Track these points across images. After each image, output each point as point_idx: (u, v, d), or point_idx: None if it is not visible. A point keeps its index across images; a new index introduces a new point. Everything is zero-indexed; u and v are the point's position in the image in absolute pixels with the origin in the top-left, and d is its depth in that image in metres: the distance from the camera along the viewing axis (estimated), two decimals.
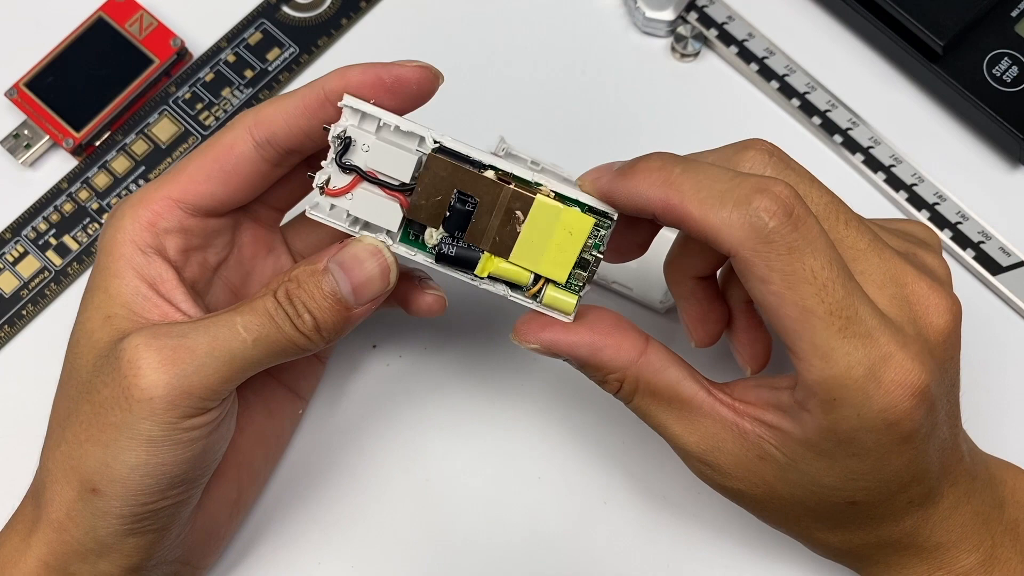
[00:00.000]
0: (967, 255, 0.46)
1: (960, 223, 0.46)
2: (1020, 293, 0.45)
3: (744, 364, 0.39)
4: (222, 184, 0.36)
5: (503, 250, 0.35)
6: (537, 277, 0.35)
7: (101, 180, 0.48)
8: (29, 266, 0.47)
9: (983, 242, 0.46)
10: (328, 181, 0.35)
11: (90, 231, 0.47)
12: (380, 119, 0.34)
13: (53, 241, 0.47)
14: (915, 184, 0.46)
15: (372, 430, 0.45)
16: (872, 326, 0.31)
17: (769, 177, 0.32)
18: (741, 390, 0.35)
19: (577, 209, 0.34)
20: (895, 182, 0.47)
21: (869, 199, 0.47)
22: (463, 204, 0.34)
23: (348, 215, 0.35)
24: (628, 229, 0.36)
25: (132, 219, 0.36)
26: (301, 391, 0.43)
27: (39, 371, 0.46)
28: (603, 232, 0.35)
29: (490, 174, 0.34)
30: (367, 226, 0.35)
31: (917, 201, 0.46)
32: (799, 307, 0.31)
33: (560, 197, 0.34)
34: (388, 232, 0.35)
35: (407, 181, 0.34)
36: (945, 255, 0.46)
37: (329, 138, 0.34)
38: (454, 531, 0.43)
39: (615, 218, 0.34)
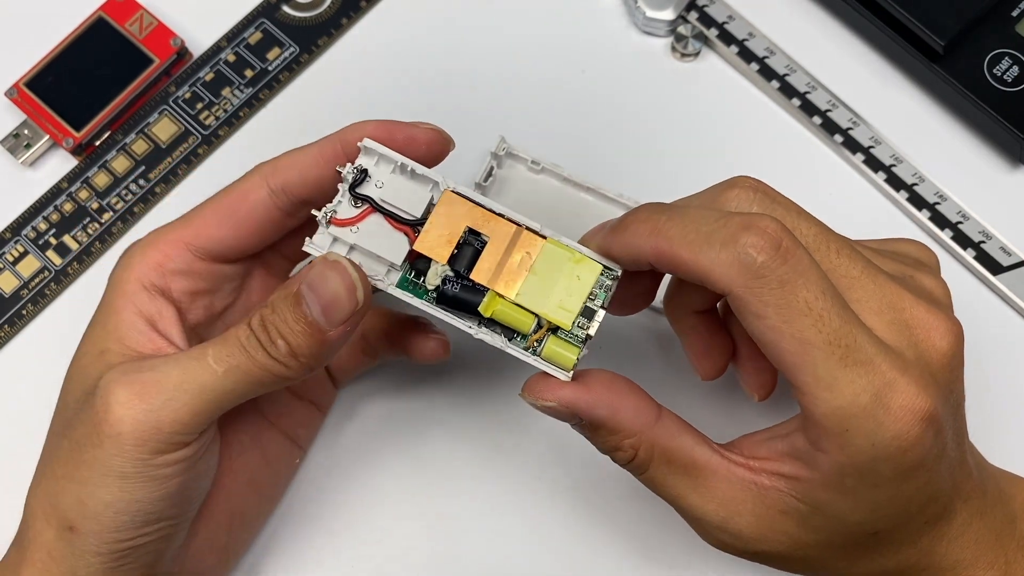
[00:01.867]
0: (968, 255, 0.46)
1: (961, 223, 0.46)
2: (1020, 293, 0.45)
3: (751, 392, 0.39)
4: (234, 230, 0.36)
5: (508, 289, 0.34)
6: (538, 325, 0.34)
7: (101, 180, 0.48)
8: (29, 266, 0.47)
9: (984, 242, 0.46)
10: (334, 213, 0.34)
11: (90, 231, 0.47)
12: (397, 162, 0.34)
13: (53, 241, 0.47)
14: (916, 184, 0.46)
15: (376, 433, 0.45)
16: (872, 353, 0.31)
17: (755, 213, 0.32)
18: (751, 447, 0.34)
19: (586, 255, 0.34)
20: (896, 182, 0.47)
21: (869, 199, 0.47)
22: (473, 242, 0.34)
23: (351, 250, 0.34)
24: (632, 282, 0.36)
25: (141, 258, 0.36)
26: (299, 440, 0.42)
27: (39, 371, 0.45)
28: (609, 283, 0.34)
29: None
30: (367, 258, 0.35)
31: (917, 201, 0.46)
32: (797, 340, 0.31)
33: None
34: (391, 268, 0.34)
35: (419, 216, 0.34)
36: (946, 255, 0.46)
37: (343, 174, 0.34)
38: (455, 536, 0.43)
39: (619, 273, 0.34)
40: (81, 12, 0.49)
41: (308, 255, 0.34)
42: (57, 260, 0.47)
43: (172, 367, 0.33)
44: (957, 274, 0.46)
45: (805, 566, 0.35)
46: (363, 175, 0.34)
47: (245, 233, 0.37)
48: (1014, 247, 0.45)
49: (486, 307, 0.34)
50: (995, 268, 0.45)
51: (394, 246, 0.34)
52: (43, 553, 0.34)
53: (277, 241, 0.38)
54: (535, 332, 0.34)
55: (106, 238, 0.47)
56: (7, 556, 0.36)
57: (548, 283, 0.34)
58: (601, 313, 0.34)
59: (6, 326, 0.46)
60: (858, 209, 0.47)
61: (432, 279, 0.34)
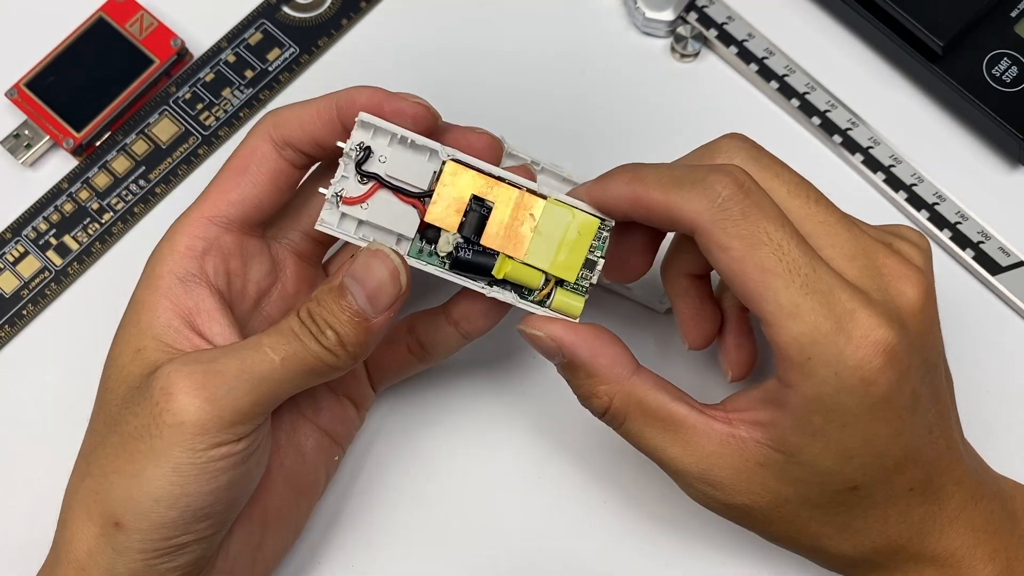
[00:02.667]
0: (967, 255, 0.46)
1: (960, 223, 0.46)
2: (1020, 293, 0.45)
3: (727, 368, 0.40)
4: (249, 187, 0.37)
5: (517, 250, 0.36)
6: (546, 281, 0.37)
7: (101, 180, 0.48)
8: (29, 266, 0.47)
9: (983, 242, 0.46)
10: (343, 191, 0.35)
11: (90, 231, 0.47)
12: (395, 134, 0.36)
13: (53, 241, 0.47)
14: (915, 184, 0.47)
15: (372, 427, 0.45)
16: (832, 284, 0.32)
17: (723, 164, 0.34)
18: (730, 401, 0.36)
19: (583, 211, 0.37)
20: (895, 182, 0.47)
21: (869, 199, 0.47)
22: (479, 208, 0.36)
23: (360, 224, 0.36)
24: (626, 240, 0.37)
25: (170, 249, 0.37)
26: (337, 437, 0.42)
27: (39, 371, 0.46)
28: (606, 234, 0.37)
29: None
30: (378, 232, 0.36)
31: (917, 201, 0.46)
32: (759, 268, 0.32)
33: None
34: (401, 238, 0.36)
35: (427, 188, 0.36)
36: (944, 255, 0.46)
37: (345, 150, 0.35)
38: (453, 530, 0.43)
39: (612, 223, 0.37)
40: (81, 12, 0.49)
41: (325, 235, 0.36)
42: (57, 260, 0.47)
43: (230, 357, 0.34)
44: (956, 274, 0.46)
45: (790, 530, 0.36)
46: (367, 152, 0.35)
47: (261, 190, 0.37)
48: (1013, 247, 0.46)
49: (499, 270, 0.36)
50: (994, 268, 0.46)
51: (405, 219, 0.36)
52: (82, 552, 0.34)
53: (303, 220, 0.39)
54: (543, 287, 0.37)
55: (106, 238, 0.47)
56: (44, 563, 0.36)
57: (552, 241, 0.37)
58: (601, 263, 0.37)
59: (6, 326, 0.46)
60: (857, 209, 0.46)
61: (444, 247, 0.36)
